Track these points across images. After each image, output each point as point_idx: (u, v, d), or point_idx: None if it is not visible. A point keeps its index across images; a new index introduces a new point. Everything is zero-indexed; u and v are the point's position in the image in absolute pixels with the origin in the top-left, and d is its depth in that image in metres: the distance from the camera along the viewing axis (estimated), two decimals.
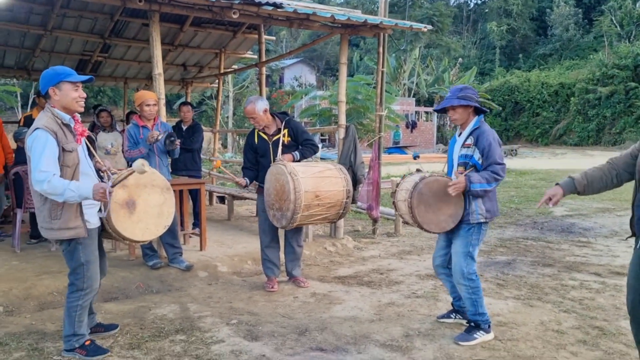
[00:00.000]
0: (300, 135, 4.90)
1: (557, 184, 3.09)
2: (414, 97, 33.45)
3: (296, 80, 41.31)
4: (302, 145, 4.87)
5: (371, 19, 6.26)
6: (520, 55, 45.59)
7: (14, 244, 5.96)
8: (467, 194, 3.59)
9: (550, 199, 3.05)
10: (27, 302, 4.53)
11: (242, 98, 30.03)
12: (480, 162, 3.57)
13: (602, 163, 3.07)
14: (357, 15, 6.27)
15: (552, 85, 35.65)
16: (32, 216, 6.27)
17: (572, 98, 33.75)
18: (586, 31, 43.72)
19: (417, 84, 34.03)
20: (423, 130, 31.81)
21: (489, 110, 4.01)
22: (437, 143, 33.00)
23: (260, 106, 4.78)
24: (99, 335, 3.77)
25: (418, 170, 3.95)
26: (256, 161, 4.98)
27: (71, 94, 3.26)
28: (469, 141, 3.63)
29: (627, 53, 31.73)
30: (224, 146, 22.42)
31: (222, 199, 10.17)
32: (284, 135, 4.84)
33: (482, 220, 3.62)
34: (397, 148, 26.94)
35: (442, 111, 3.83)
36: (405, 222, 3.90)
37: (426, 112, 33.04)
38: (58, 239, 3.30)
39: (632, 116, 30.38)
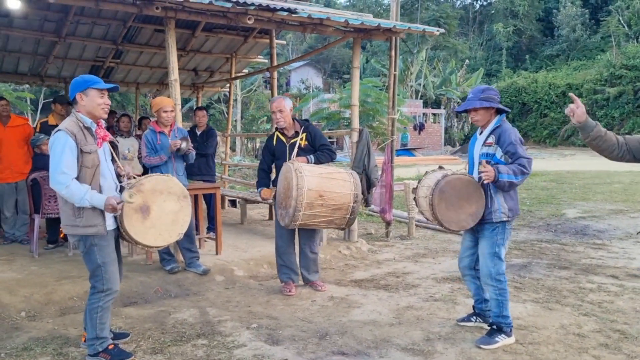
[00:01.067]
0: (318, 140, 4.95)
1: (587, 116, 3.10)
2: (421, 98, 33.45)
3: (303, 83, 41.40)
4: (318, 151, 4.91)
5: (384, 23, 6.28)
6: (527, 56, 45.51)
7: (31, 249, 6.02)
8: (490, 191, 3.60)
9: (577, 107, 3.06)
10: (48, 307, 4.57)
11: (250, 101, 30.13)
12: (502, 159, 3.57)
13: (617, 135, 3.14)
14: (371, 20, 6.29)
15: (559, 86, 35.54)
16: (49, 222, 6.34)
17: (580, 99, 33.57)
18: (593, 31, 43.58)
19: (424, 85, 34.05)
20: (431, 132, 31.81)
21: (510, 110, 4.01)
22: (444, 145, 32.98)
23: (289, 103, 4.98)
24: None
25: (440, 168, 3.95)
26: (272, 163, 5.09)
27: (97, 100, 3.42)
28: (490, 140, 3.64)
29: (635, 53, 31.62)
30: (232, 149, 22.49)
31: (233, 203, 10.22)
32: (301, 139, 4.89)
33: (504, 219, 3.62)
34: (406, 150, 26.93)
35: (464, 112, 3.84)
36: (426, 219, 3.89)
37: (434, 114, 33.03)
38: (81, 235, 3.39)
39: None
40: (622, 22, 37.83)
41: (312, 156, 4.84)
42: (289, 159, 4.82)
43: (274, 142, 5.03)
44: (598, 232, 7.65)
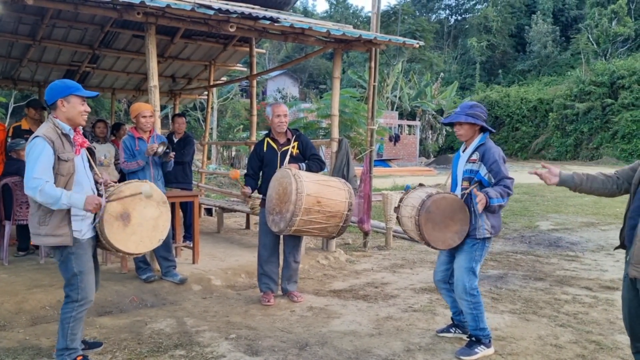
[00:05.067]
0: (309, 149, 4.96)
1: (560, 171, 3.20)
2: (396, 110, 33.77)
3: (279, 92, 41.35)
4: (309, 160, 4.91)
5: (365, 34, 6.32)
6: (500, 71, 46.47)
7: (1, 256, 5.84)
8: (473, 209, 3.64)
9: (546, 174, 3.16)
10: (19, 316, 4.43)
11: (226, 110, 29.96)
12: (486, 177, 3.62)
13: (604, 174, 3.21)
14: (352, 31, 6.33)
15: (531, 101, 36.40)
16: (20, 228, 6.17)
17: (550, 113, 34.46)
18: (564, 48, 44.80)
19: (399, 97, 34.38)
20: (406, 143, 32.10)
21: (494, 130, 4.06)
22: (419, 156, 33.31)
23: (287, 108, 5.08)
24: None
25: (421, 185, 3.98)
26: (259, 170, 5.04)
27: (78, 107, 3.37)
28: (474, 157, 3.69)
29: (604, 70, 32.54)
30: (208, 158, 22.31)
31: (209, 211, 10.11)
32: (293, 147, 4.88)
33: (487, 236, 3.67)
34: (381, 161, 27.10)
35: (449, 125, 3.90)
36: (410, 237, 3.91)
37: (409, 126, 33.36)
38: (46, 246, 3.39)
39: (608, 132, 31.10)
40: (591, 40, 38.95)
41: (303, 164, 4.83)
42: (280, 166, 4.80)
43: (264, 149, 4.98)
44: (571, 244, 7.79)
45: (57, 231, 3.22)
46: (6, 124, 7.35)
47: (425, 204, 3.61)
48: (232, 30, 5.63)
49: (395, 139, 30.01)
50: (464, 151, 3.82)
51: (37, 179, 3.11)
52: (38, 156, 3.15)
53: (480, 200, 3.44)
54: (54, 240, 3.24)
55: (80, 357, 3.47)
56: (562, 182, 3.18)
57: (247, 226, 8.64)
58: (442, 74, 40.34)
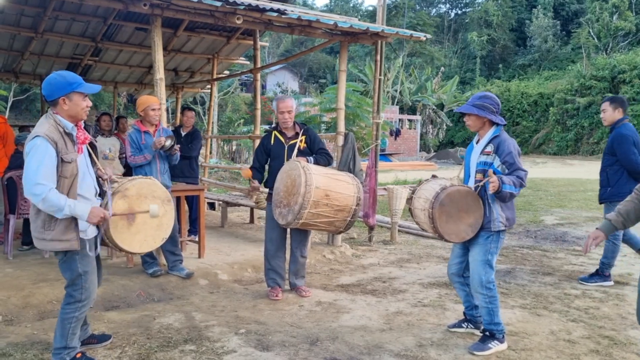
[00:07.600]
0: (316, 144, 4.92)
1: (597, 228, 3.09)
2: (397, 104, 33.67)
3: (279, 86, 41.23)
4: (316, 154, 4.86)
5: (373, 26, 6.27)
6: (500, 65, 46.32)
7: (5, 250, 5.80)
8: (488, 201, 3.60)
9: (594, 240, 3.05)
10: (26, 311, 4.41)
11: (225, 104, 29.85)
12: (500, 169, 3.57)
13: (630, 195, 3.08)
14: (359, 23, 6.27)
15: (531, 95, 36.29)
16: (24, 222, 6.12)
17: (551, 108, 34.36)
18: (564, 43, 44.66)
19: (400, 92, 34.27)
20: (407, 138, 32.03)
21: (505, 124, 3.97)
22: (420, 151, 33.25)
23: (295, 102, 5.05)
24: (90, 347, 3.66)
25: (434, 177, 3.93)
26: (265, 163, 5.01)
27: (80, 103, 3.17)
28: (488, 148, 3.64)
29: (605, 65, 32.43)
30: (210, 152, 22.22)
31: (212, 205, 10.06)
32: (301, 141, 4.84)
33: (502, 228, 3.63)
34: (382, 155, 27.05)
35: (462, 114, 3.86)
36: (422, 229, 3.88)
37: (409, 120, 33.28)
38: (50, 251, 3.20)
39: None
40: (592, 34, 38.80)
41: (311, 158, 4.78)
42: (287, 159, 4.76)
43: (272, 142, 4.94)
44: (577, 239, 7.76)
45: (64, 236, 3.07)
46: (6, 117, 7.29)
47: (439, 197, 3.56)
48: (238, 22, 5.57)
49: (396, 133, 29.92)
50: (477, 142, 3.77)
51: (41, 185, 2.93)
52: (41, 159, 2.95)
53: (493, 182, 3.40)
54: (61, 245, 3.09)
55: (80, 354, 3.41)
56: (607, 234, 3.07)
57: (252, 220, 8.60)
58: (442, 68, 40.17)
